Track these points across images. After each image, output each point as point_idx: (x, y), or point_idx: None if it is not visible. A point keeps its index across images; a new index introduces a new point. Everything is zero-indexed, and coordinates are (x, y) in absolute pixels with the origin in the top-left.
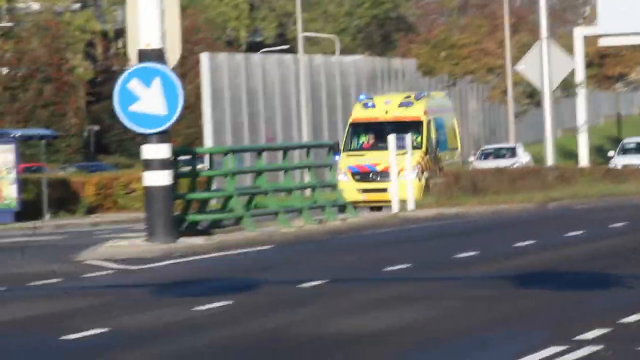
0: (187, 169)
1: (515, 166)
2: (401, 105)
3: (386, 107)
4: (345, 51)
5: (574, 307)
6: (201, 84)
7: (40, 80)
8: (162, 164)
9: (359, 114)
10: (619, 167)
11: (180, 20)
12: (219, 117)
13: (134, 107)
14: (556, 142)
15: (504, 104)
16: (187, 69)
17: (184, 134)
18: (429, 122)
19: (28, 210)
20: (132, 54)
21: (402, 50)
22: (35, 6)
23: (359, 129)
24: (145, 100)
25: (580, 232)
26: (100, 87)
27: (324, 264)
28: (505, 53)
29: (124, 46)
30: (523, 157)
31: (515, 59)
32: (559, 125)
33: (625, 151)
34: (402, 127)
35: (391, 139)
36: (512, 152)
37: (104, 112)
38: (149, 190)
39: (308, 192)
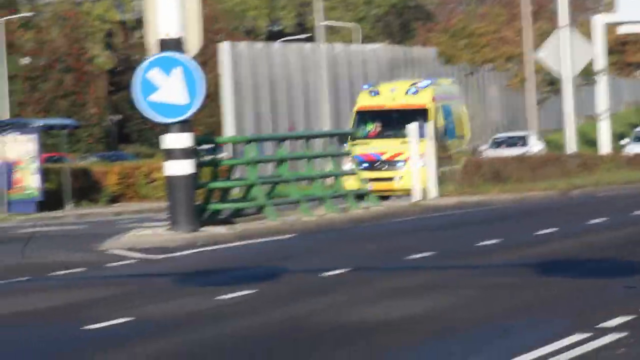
0: (208, 158)
1: (526, 155)
2: (407, 92)
3: (392, 94)
4: (364, 40)
5: (596, 294)
6: (221, 73)
7: (60, 70)
8: (184, 153)
9: (364, 102)
10: (632, 155)
11: (201, 9)
12: (239, 106)
13: (154, 97)
14: (577, 130)
15: (524, 91)
16: (207, 58)
17: (205, 123)
18: (436, 110)
19: (50, 200)
20: (152, 44)
21: (421, 39)
22: None
23: (364, 117)
24: (166, 90)
25: (603, 219)
26: (120, 77)
27: (346, 253)
28: (524, 41)
29: (144, 36)
30: (535, 146)
31: (535, 47)
32: (579, 112)
33: (639, 139)
34: (408, 115)
35: (412, 127)
36: (524, 140)
37: (125, 102)
38: (170, 180)
39: (329, 180)
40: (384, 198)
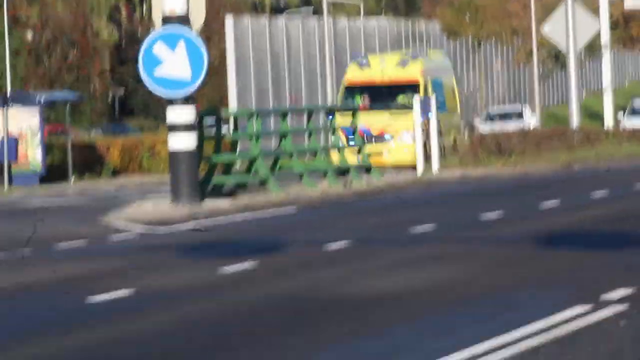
0: (211, 131)
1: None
2: (397, 65)
3: (381, 67)
4: (369, 14)
5: (599, 267)
6: (226, 48)
7: (65, 44)
8: (187, 127)
9: (353, 74)
10: (632, 129)
11: None
12: (243, 81)
13: (159, 71)
14: (581, 104)
15: (528, 65)
16: (212, 33)
17: (208, 98)
18: (426, 83)
19: (53, 173)
20: (157, 19)
21: (426, 12)
22: None
23: (353, 90)
24: (170, 64)
25: (606, 192)
26: (125, 51)
27: (349, 226)
28: (530, 15)
29: (149, 10)
30: (530, 120)
31: (540, 21)
32: (583, 87)
33: (635, 112)
34: (398, 88)
35: (416, 100)
36: (519, 114)
37: (129, 76)
38: (173, 153)
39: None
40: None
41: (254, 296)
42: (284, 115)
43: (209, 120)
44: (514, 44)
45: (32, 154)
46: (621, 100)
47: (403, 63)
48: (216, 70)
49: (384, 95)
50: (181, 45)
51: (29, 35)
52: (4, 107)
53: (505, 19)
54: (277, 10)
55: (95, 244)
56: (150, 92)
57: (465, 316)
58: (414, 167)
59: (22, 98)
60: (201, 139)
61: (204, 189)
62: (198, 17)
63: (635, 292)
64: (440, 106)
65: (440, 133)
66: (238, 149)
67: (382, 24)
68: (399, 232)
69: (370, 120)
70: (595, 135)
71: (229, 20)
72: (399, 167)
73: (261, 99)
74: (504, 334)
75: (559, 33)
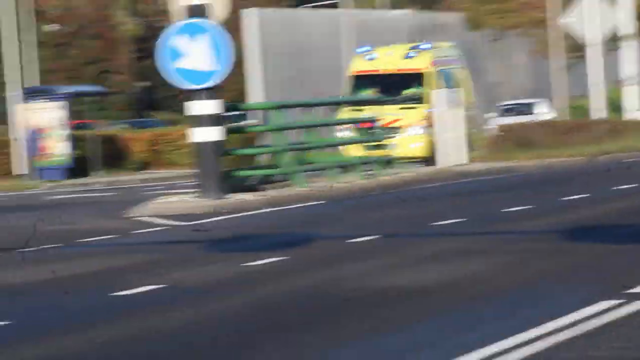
0: (236, 124)
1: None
2: (405, 57)
3: (389, 58)
4: (392, 6)
5: (624, 261)
6: (248, 40)
7: (87, 37)
8: (211, 120)
9: (359, 66)
10: None
11: None
12: (266, 73)
13: (180, 63)
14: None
15: (551, 57)
16: (234, 24)
17: (231, 90)
18: (434, 74)
19: (79, 167)
20: (178, 10)
21: (447, 4)
22: None
23: (359, 82)
24: (192, 56)
25: (631, 185)
26: (147, 44)
27: (375, 219)
28: (551, 6)
29: (170, 2)
30: (545, 113)
31: (561, 13)
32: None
33: None
34: (405, 79)
35: (437, 93)
36: (533, 107)
37: (152, 69)
38: (198, 147)
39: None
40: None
41: (279, 291)
42: (308, 108)
43: (233, 113)
44: (536, 35)
45: (58, 148)
46: None
47: (411, 54)
48: (238, 63)
49: (392, 87)
50: (202, 37)
51: (52, 28)
52: (30, 101)
53: (527, 10)
54: (298, 2)
55: (121, 239)
56: (173, 86)
57: (488, 311)
58: (423, 160)
59: (47, 92)
60: (226, 132)
61: (229, 182)
62: (221, 9)
63: None
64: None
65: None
66: (263, 142)
67: (405, 15)
68: (423, 225)
69: (377, 112)
70: (620, 126)
71: (252, 12)
72: (407, 160)
73: (285, 91)
74: (529, 330)
75: (579, 24)
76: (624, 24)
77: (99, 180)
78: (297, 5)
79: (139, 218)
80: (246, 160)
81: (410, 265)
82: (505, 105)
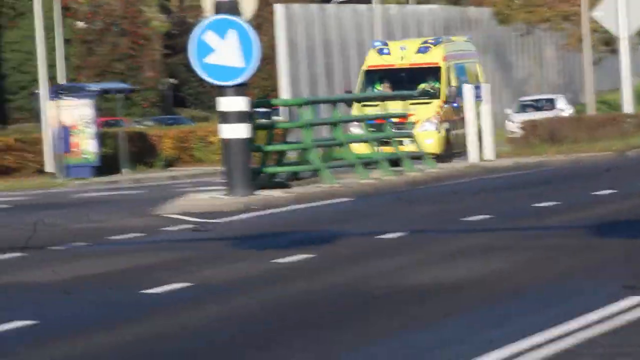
0: (264, 121)
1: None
2: (418, 51)
3: (402, 53)
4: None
5: None
6: (276, 36)
7: (116, 33)
8: (240, 117)
9: (373, 60)
10: None
11: None
12: (294, 69)
13: (210, 59)
14: (634, 90)
15: (580, 51)
16: (262, 20)
17: (260, 86)
18: (448, 69)
19: (106, 164)
20: (207, 7)
21: None
22: None
23: (373, 76)
24: (221, 52)
25: None
26: (176, 40)
27: (403, 215)
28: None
29: None
30: (565, 109)
31: (592, 6)
32: (636, 72)
33: None
34: (419, 74)
35: (467, 89)
36: (552, 103)
37: (180, 65)
38: (226, 143)
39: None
40: (396, 164)
41: (307, 288)
42: (336, 104)
43: (261, 110)
44: (565, 29)
45: (85, 145)
46: None
47: (424, 48)
48: (267, 59)
49: (405, 82)
50: (232, 33)
51: (80, 25)
52: (58, 98)
53: (556, 4)
54: None
55: (149, 236)
56: (202, 82)
57: (517, 308)
58: (436, 157)
59: (74, 89)
60: (253, 129)
61: (257, 179)
62: (250, 5)
63: None
64: (461, 93)
65: (462, 121)
66: (290, 139)
67: (433, 10)
68: (451, 221)
69: (391, 108)
70: None
71: (280, 8)
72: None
73: (313, 87)
74: (557, 326)
75: (610, 18)
76: None
77: (127, 178)
78: (326, 1)
79: (167, 215)
80: (274, 157)
81: (439, 261)
82: (524, 101)
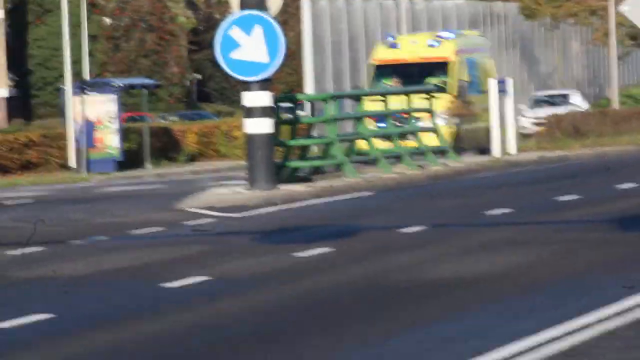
0: (288, 115)
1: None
2: (429, 45)
3: (412, 47)
4: None
5: None
6: (302, 31)
7: (142, 29)
8: (264, 112)
9: (382, 54)
10: None
11: None
12: (320, 64)
13: (235, 55)
14: None
15: (606, 46)
16: (288, 16)
17: (285, 81)
18: (459, 63)
19: (130, 159)
20: (234, 2)
21: None
22: None
23: (382, 71)
24: (247, 48)
25: None
26: (202, 36)
27: (425, 210)
28: None
29: None
30: (579, 105)
31: (619, 1)
32: None
33: None
34: (429, 68)
35: (493, 83)
36: (566, 98)
37: (206, 61)
38: (250, 138)
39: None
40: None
41: (329, 282)
42: (360, 99)
43: (285, 104)
44: (591, 24)
45: (110, 140)
46: None
47: (435, 43)
48: (292, 54)
49: (415, 76)
50: (258, 29)
51: (107, 21)
52: (82, 93)
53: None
54: None
55: (171, 230)
56: (226, 77)
57: (537, 301)
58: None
59: (99, 84)
60: (277, 123)
61: (280, 173)
62: (276, 2)
63: None
64: (475, 87)
65: (474, 116)
66: (314, 133)
67: (460, 4)
68: (474, 215)
69: (401, 103)
70: None
71: (306, 3)
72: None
73: (338, 82)
74: (576, 319)
75: (637, 12)
76: None
77: (150, 173)
78: None
79: (190, 209)
80: (296, 152)
81: (461, 255)
82: (538, 96)
